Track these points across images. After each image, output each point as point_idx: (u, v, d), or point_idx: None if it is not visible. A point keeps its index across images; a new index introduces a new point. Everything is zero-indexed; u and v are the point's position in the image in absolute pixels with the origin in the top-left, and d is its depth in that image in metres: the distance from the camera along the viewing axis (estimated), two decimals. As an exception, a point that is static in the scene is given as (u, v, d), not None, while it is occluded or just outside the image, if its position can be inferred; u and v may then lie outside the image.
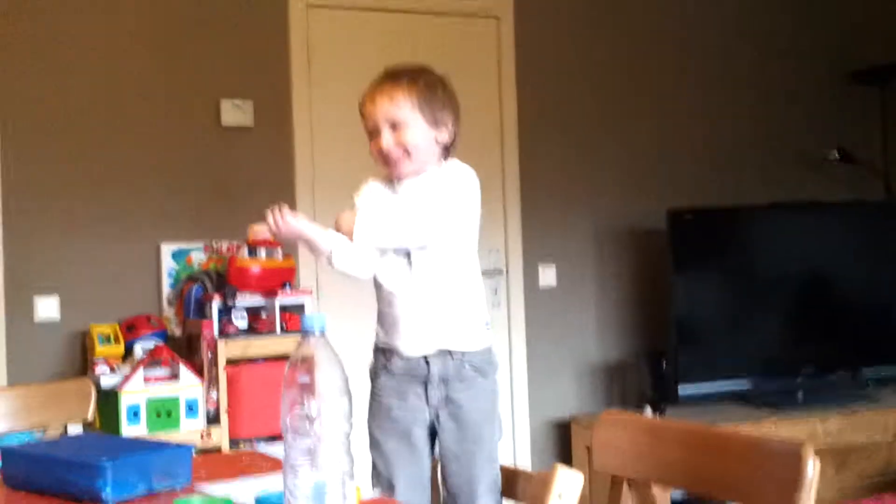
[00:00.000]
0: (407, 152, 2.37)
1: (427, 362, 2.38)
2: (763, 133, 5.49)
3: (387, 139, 2.37)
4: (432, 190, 2.37)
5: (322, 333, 1.54)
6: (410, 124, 2.36)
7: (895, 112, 5.64)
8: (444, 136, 2.40)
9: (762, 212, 5.11)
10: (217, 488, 1.98)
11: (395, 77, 2.39)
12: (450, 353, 2.38)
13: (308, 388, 1.50)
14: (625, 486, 1.84)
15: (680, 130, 5.32)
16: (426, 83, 2.39)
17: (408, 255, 2.39)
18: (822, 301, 5.13)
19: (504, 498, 2.29)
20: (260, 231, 2.37)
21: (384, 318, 2.45)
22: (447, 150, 2.45)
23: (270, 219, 2.33)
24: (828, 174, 5.52)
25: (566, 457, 4.92)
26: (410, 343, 2.40)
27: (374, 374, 2.47)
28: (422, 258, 2.38)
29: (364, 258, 2.39)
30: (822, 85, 5.61)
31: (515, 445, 4.93)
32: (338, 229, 2.36)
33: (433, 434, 2.43)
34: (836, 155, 5.45)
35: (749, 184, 5.38)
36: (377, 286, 2.46)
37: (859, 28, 5.64)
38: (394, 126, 2.37)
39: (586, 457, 4.68)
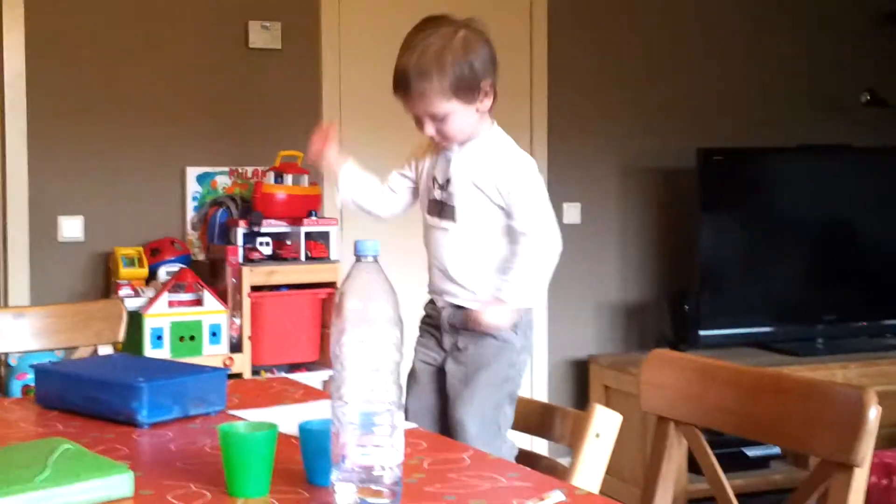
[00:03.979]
0: (454, 135, 2.35)
1: (443, 308, 2.41)
2: (793, 74, 5.40)
3: (430, 130, 2.35)
4: (526, 204, 2.34)
5: (375, 259, 1.51)
6: (451, 114, 2.31)
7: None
8: (487, 100, 2.35)
9: (790, 154, 5.04)
10: (253, 415, 1.95)
11: (421, 71, 2.28)
12: (463, 308, 2.38)
13: (359, 316, 1.47)
14: (671, 427, 1.81)
15: (710, 70, 5.24)
16: (453, 63, 2.28)
17: (450, 216, 2.38)
18: (846, 248, 5.07)
19: (537, 435, 2.27)
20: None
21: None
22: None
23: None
24: (857, 117, 5.42)
25: (583, 396, 4.91)
26: (435, 290, 2.44)
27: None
28: (461, 225, 2.37)
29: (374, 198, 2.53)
30: (854, 26, 5.50)
31: (533, 383, 4.91)
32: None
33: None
34: (867, 97, 5.37)
35: (777, 125, 5.29)
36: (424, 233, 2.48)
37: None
38: (433, 117, 2.33)
39: (604, 397, 4.67)
